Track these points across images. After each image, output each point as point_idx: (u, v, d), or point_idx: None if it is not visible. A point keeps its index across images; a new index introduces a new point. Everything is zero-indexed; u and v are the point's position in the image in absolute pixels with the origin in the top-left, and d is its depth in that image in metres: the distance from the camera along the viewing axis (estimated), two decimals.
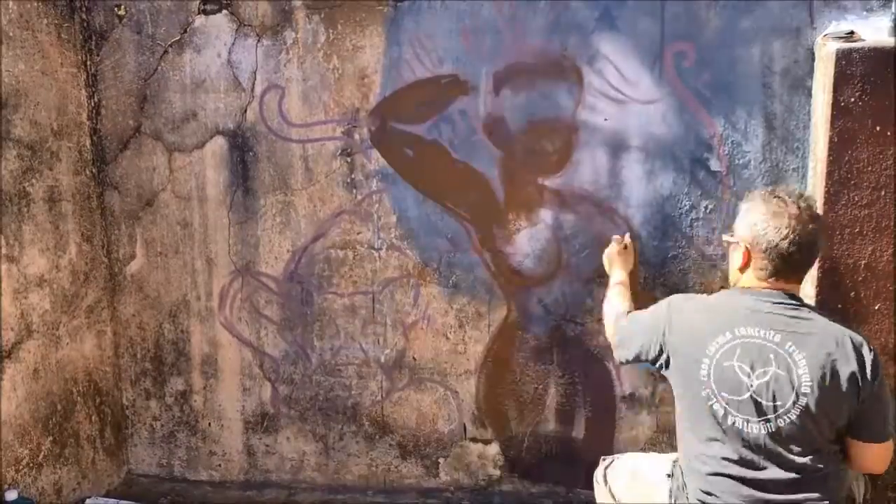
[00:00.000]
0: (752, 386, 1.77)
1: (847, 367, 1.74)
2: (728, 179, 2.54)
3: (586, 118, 2.58)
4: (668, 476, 2.05)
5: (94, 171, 2.88)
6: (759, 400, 1.76)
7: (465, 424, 2.89)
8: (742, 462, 1.81)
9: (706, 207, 2.57)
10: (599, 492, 2.30)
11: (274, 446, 3.02)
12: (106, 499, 2.89)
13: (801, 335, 1.78)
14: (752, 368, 1.78)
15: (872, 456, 1.83)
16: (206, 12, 2.72)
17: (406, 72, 2.65)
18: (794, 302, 1.84)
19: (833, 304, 2.40)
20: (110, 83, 2.83)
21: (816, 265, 2.38)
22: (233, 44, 2.72)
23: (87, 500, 2.82)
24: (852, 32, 2.34)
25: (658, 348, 1.97)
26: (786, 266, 1.83)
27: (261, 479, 3.06)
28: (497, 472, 2.91)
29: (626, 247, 2.51)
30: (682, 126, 2.53)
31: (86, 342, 2.87)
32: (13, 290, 2.49)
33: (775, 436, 1.77)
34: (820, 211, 2.24)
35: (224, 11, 2.71)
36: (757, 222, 1.84)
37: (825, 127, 2.34)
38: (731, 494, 1.82)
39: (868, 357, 1.76)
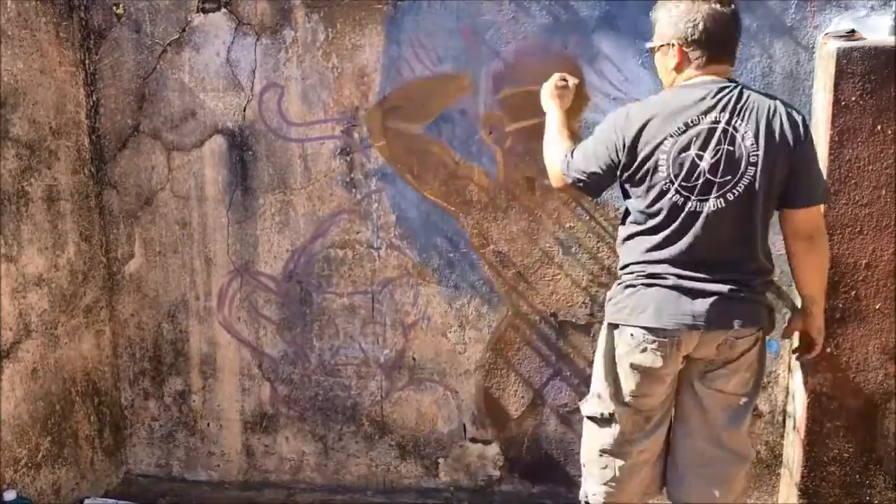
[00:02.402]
0: (706, 169, 1.90)
1: (786, 130, 1.90)
2: None
3: (587, 117, 2.57)
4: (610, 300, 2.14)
5: (92, 170, 2.87)
6: (712, 178, 1.90)
7: (464, 424, 2.88)
8: (694, 244, 1.94)
9: None
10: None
11: (273, 446, 3.02)
12: (104, 499, 2.89)
13: (746, 110, 1.91)
14: (703, 151, 1.90)
15: (817, 219, 2.01)
16: (204, 11, 2.71)
17: (406, 71, 2.64)
18: (732, 83, 1.96)
19: (833, 303, 2.40)
20: (109, 82, 2.82)
21: None
22: (232, 42, 2.71)
23: (86, 501, 2.81)
24: (853, 31, 2.34)
25: (613, 159, 2.03)
26: (716, 47, 1.95)
27: (260, 480, 3.05)
28: (497, 473, 2.90)
29: (566, 86, 2.45)
30: None
31: (84, 342, 2.86)
32: (11, 289, 2.49)
33: (727, 211, 1.91)
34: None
35: (223, 10, 2.70)
36: (679, 18, 1.96)
37: (826, 125, 2.34)
38: (673, 276, 1.96)
39: (798, 119, 1.93)
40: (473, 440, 2.90)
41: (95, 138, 2.87)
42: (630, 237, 2.07)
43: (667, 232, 1.96)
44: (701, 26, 1.92)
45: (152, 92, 2.80)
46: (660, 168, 1.93)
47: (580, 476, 2.82)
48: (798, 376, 2.54)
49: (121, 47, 2.79)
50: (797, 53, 2.43)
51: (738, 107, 1.91)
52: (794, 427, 2.56)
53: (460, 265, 2.75)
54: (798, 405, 2.53)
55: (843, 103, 2.30)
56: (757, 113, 1.90)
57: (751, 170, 1.88)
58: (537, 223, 2.68)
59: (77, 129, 2.79)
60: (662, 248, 1.98)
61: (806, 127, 1.93)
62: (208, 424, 3.04)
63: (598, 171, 2.07)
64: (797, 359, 2.30)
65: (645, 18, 2.48)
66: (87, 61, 2.81)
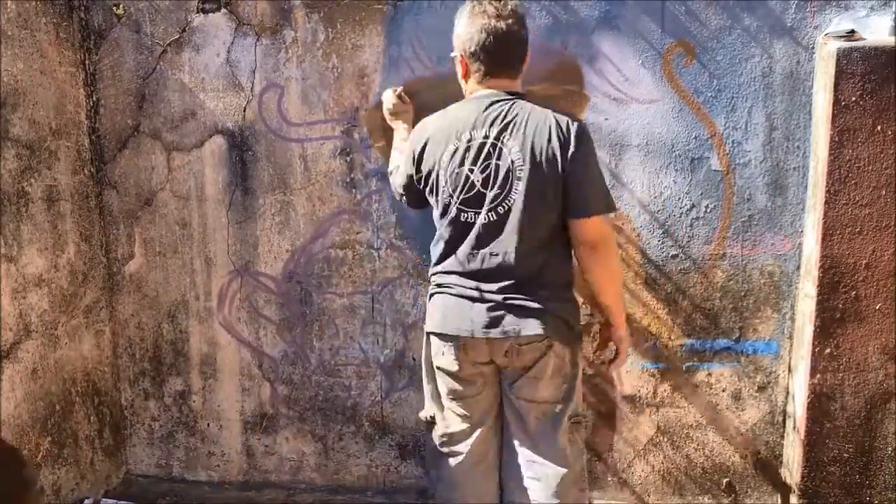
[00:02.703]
0: (477, 182, 1.96)
1: (553, 143, 1.92)
2: (729, 179, 2.53)
3: (587, 117, 2.57)
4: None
5: (92, 170, 2.87)
6: (483, 192, 1.96)
7: None
8: (470, 255, 2.01)
9: (707, 207, 2.57)
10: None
11: (273, 447, 3.02)
12: (104, 499, 2.88)
13: (514, 124, 1.95)
14: (475, 164, 1.96)
15: (596, 230, 1.98)
16: (204, 11, 2.71)
17: (406, 71, 2.64)
18: (508, 97, 2.00)
19: (833, 303, 2.40)
20: (109, 82, 2.82)
21: (816, 264, 2.38)
22: (232, 43, 2.71)
23: (86, 501, 2.81)
24: (853, 31, 2.34)
25: (411, 172, 2.13)
26: (492, 62, 1.99)
27: (260, 480, 3.05)
28: None
29: (400, 97, 2.49)
30: (682, 125, 2.53)
31: (84, 342, 2.86)
32: (11, 289, 2.49)
33: (498, 223, 1.96)
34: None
35: (223, 10, 2.70)
36: (461, 31, 2.02)
37: (826, 126, 2.34)
38: (458, 286, 2.05)
39: (572, 129, 1.93)
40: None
41: (95, 138, 2.87)
42: (433, 246, 2.16)
43: (451, 243, 2.06)
44: (476, 39, 1.97)
45: (152, 92, 2.80)
46: (440, 181, 2.02)
47: None
48: (798, 377, 2.54)
49: (121, 48, 2.79)
50: (797, 54, 2.44)
51: (508, 121, 1.95)
52: (794, 427, 2.56)
53: None
54: (798, 405, 2.53)
55: (842, 103, 2.30)
56: (525, 126, 1.94)
57: (518, 184, 1.93)
58: None
59: (77, 129, 2.80)
60: (447, 258, 2.08)
61: (580, 137, 1.93)
62: (208, 425, 3.04)
63: (406, 184, 2.19)
64: (607, 370, 2.33)
65: (645, 18, 2.50)
66: (87, 62, 2.81)
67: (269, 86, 2.73)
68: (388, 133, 2.68)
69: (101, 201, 2.91)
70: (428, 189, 2.09)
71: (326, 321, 2.87)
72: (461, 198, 1.98)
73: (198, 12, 2.71)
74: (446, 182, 2.00)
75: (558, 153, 1.92)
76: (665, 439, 2.75)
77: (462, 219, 2.00)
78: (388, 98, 2.50)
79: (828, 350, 2.42)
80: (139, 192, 2.88)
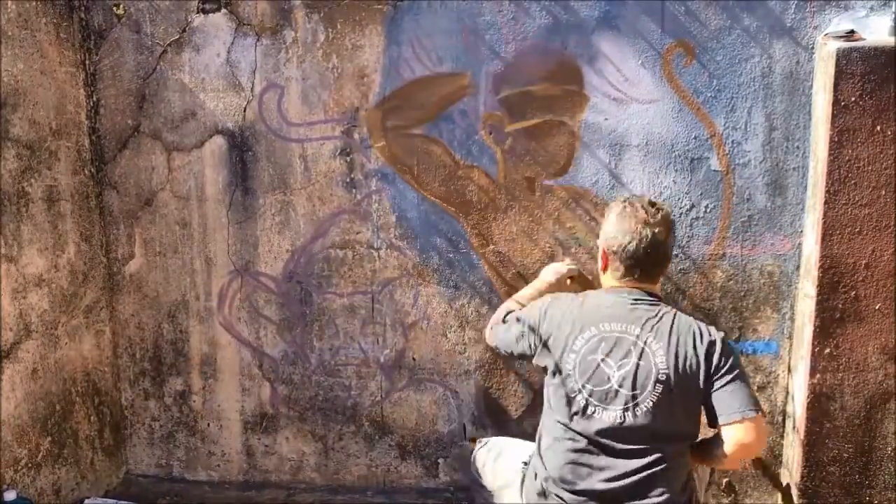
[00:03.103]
0: (613, 377, 1.87)
1: (699, 354, 1.86)
2: (729, 179, 2.54)
3: (587, 118, 2.58)
4: (524, 464, 2.13)
5: (92, 170, 2.87)
6: (620, 390, 1.87)
7: (464, 425, 2.88)
8: (598, 449, 1.90)
9: (706, 207, 2.57)
10: (468, 469, 2.36)
11: (273, 447, 3.02)
12: (105, 499, 2.88)
13: (658, 328, 1.90)
14: (613, 360, 1.89)
15: (747, 434, 1.85)
16: (204, 11, 2.71)
17: (406, 71, 2.64)
18: (650, 298, 1.96)
19: (833, 303, 2.40)
20: (109, 82, 2.82)
21: (815, 264, 2.38)
22: (232, 43, 2.72)
23: (86, 501, 2.81)
24: (852, 32, 2.35)
25: (530, 342, 2.06)
26: (636, 266, 1.95)
27: (260, 480, 3.05)
28: None
29: (570, 277, 2.46)
30: (682, 125, 2.53)
31: (84, 342, 2.86)
32: (12, 289, 2.49)
33: (632, 425, 1.86)
34: (821, 210, 2.25)
35: (223, 10, 2.70)
36: (609, 228, 1.99)
37: (825, 126, 2.34)
38: (583, 481, 1.91)
39: (718, 342, 1.88)
40: (473, 440, 2.89)
41: (96, 139, 2.87)
42: (542, 431, 2.06)
43: (569, 434, 1.94)
44: (622, 242, 1.94)
45: (152, 92, 2.80)
46: (569, 369, 1.93)
47: None
48: (797, 377, 2.54)
49: (121, 48, 2.79)
50: (797, 54, 2.44)
51: (654, 323, 1.90)
52: (794, 427, 2.56)
53: (460, 265, 2.76)
54: (797, 405, 2.53)
55: (842, 103, 2.30)
56: (671, 331, 1.89)
57: (658, 387, 1.85)
58: (537, 223, 2.68)
59: (77, 129, 2.80)
60: (559, 453, 1.96)
61: (724, 349, 1.88)
62: (208, 425, 3.04)
63: (512, 353, 2.15)
64: None
65: (645, 18, 2.50)
66: (87, 62, 2.81)
67: (269, 86, 2.73)
68: (387, 133, 2.68)
69: (101, 201, 2.91)
70: (547, 364, 2.01)
71: (326, 321, 2.87)
72: (591, 389, 1.89)
73: (198, 12, 2.72)
74: (574, 367, 1.92)
75: (710, 363, 1.86)
76: None
77: (594, 414, 1.89)
78: (563, 270, 2.45)
79: (827, 350, 2.42)
80: (139, 192, 2.88)
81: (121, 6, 2.76)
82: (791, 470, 2.59)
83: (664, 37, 2.49)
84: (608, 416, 1.88)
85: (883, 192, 2.34)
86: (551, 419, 2.00)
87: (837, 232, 2.37)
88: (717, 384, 1.86)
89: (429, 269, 2.77)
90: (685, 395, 1.87)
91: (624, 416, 1.87)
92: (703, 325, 1.92)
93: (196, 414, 3.04)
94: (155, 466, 3.12)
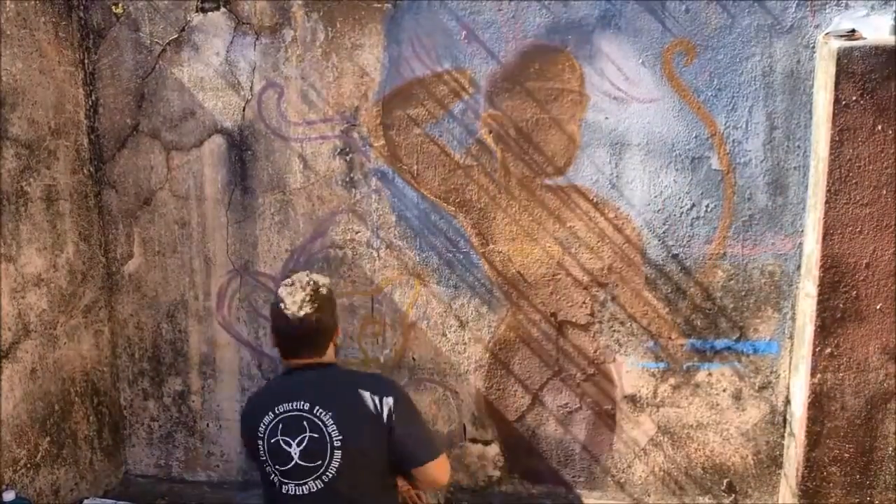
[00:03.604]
0: (295, 454, 1.91)
1: (369, 407, 1.92)
2: (730, 178, 2.53)
3: (587, 117, 2.57)
4: None
5: (91, 169, 2.87)
6: (303, 464, 1.91)
7: (464, 425, 2.88)
8: None
9: (707, 206, 2.56)
10: None
11: None
12: (104, 499, 2.88)
13: (326, 396, 1.94)
14: (292, 439, 1.92)
15: (434, 473, 1.98)
16: (203, 10, 2.70)
17: (406, 70, 2.64)
18: (317, 369, 2.01)
19: (834, 303, 2.39)
20: (108, 81, 2.82)
21: (816, 263, 2.38)
22: (231, 42, 2.71)
23: (85, 501, 2.81)
24: (853, 31, 2.34)
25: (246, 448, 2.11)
26: (293, 345, 2.01)
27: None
28: (497, 473, 2.90)
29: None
30: (682, 124, 2.52)
31: (83, 342, 2.85)
32: (10, 289, 2.48)
33: (325, 492, 1.90)
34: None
35: (222, 9, 2.70)
36: (272, 310, 2.04)
37: (826, 125, 2.33)
38: None
39: (387, 392, 1.95)
40: (473, 440, 2.89)
41: (94, 138, 2.86)
42: None
43: None
44: (278, 325, 2.00)
45: (151, 91, 2.80)
46: (260, 453, 1.97)
47: (578, 477, 2.83)
48: (798, 377, 2.54)
49: (120, 47, 2.78)
50: (798, 53, 2.43)
51: (321, 392, 1.95)
52: (795, 427, 2.56)
53: (460, 265, 2.75)
54: (798, 405, 2.53)
55: (843, 102, 2.30)
56: (337, 397, 1.95)
57: (337, 453, 1.90)
58: (537, 223, 2.68)
59: (76, 128, 2.79)
60: None
61: (396, 398, 1.95)
62: (207, 425, 3.04)
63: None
64: None
65: (646, 17, 2.50)
66: (86, 61, 2.81)
67: (268, 85, 2.72)
68: (387, 132, 2.68)
69: (100, 201, 2.91)
70: (254, 462, 2.05)
71: None
72: (280, 469, 1.93)
73: (197, 11, 2.71)
74: (265, 452, 1.96)
75: (382, 414, 1.92)
76: (665, 439, 2.74)
77: (288, 492, 1.93)
78: None
79: (828, 350, 2.42)
80: (138, 191, 2.88)
81: (120, 5, 2.75)
82: (791, 470, 2.59)
83: (665, 35, 2.48)
84: (301, 490, 1.92)
85: (884, 192, 2.33)
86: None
87: (838, 231, 2.36)
88: (398, 434, 1.93)
89: (429, 268, 2.77)
90: (365, 451, 1.93)
91: (313, 486, 1.91)
92: (369, 378, 2.05)
93: (195, 414, 3.03)
94: (154, 467, 3.11)
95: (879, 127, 2.30)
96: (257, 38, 2.69)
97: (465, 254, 2.74)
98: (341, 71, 2.67)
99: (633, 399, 2.74)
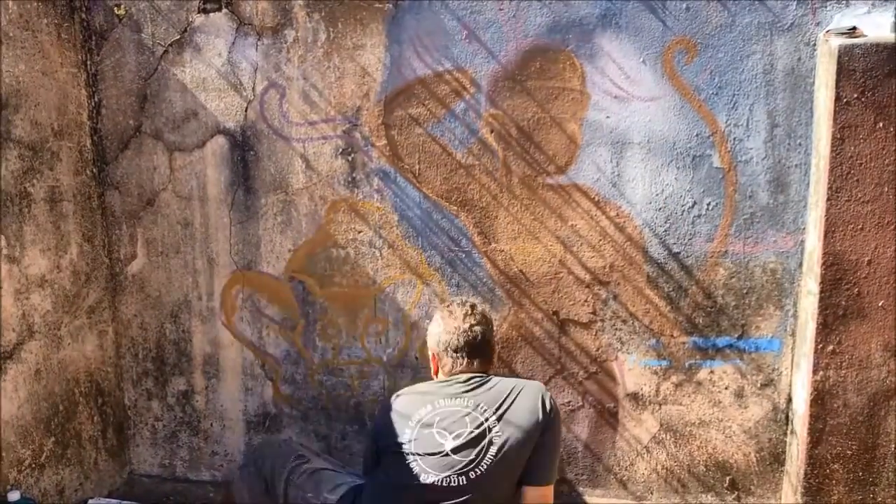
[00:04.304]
0: (448, 446, 1.99)
1: (529, 412, 2.02)
2: (731, 176, 2.53)
3: (588, 116, 2.57)
4: None
5: (94, 170, 2.88)
6: (454, 457, 1.98)
7: None
8: None
9: (708, 204, 2.56)
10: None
11: None
12: (108, 499, 2.89)
13: (489, 397, 2.05)
14: (449, 432, 2.01)
15: (542, 498, 2.03)
16: (205, 11, 2.71)
17: (407, 70, 2.64)
18: (480, 376, 2.14)
19: (836, 300, 2.40)
20: (110, 83, 2.83)
21: (818, 261, 2.38)
22: (233, 43, 2.72)
23: (90, 501, 2.82)
24: (854, 28, 2.34)
25: (372, 451, 2.19)
26: (462, 357, 2.16)
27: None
28: None
29: None
30: (684, 123, 2.53)
31: (87, 342, 2.86)
32: (14, 290, 2.49)
33: (469, 488, 1.95)
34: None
35: (224, 10, 2.70)
36: (435, 332, 2.23)
37: (827, 123, 2.33)
38: None
39: (547, 401, 2.06)
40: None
41: (97, 139, 2.87)
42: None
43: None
44: (448, 340, 2.17)
45: (154, 93, 2.80)
46: (404, 439, 2.03)
47: (580, 476, 2.83)
48: (800, 374, 2.54)
49: (122, 48, 2.79)
50: (798, 50, 2.43)
51: (484, 394, 2.06)
52: (797, 425, 2.56)
53: (462, 264, 2.76)
54: (800, 403, 2.53)
55: (844, 100, 2.30)
56: (501, 398, 2.04)
57: (492, 450, 1.97)
58: (539, 221, 2.68)
59: (79, 130, 2.80)
60: None
61: (551, 408, 2.05)
62: (211, 424, 3.05)
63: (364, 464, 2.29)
64: None
65: (647, 15, 2.50)
66: (88, 62, 2.81)
67: (270, 85, 2.73)
68: (389, 132, 2.68)
69: (103, 202, 2.92)
70: (382, 454, 2.11)
71: (329, 320, 2.87)
72: (425, 457, 1.99)
73: (199, 12, 2.72)
74: (411, 440, 2.03)
75: (538, 420, 2.02)
76: (667, 437, 2.75)
77: (433, 483, 1.97)
78: None
79: (830, 347, 2.42)
80: (141, 192, 2.89)
81: (122, 6, 2.76)
82: (794, 467, 2.59)
83: (665, 34, 2.48)
84: (446, 483, 1.96)
85: (885, 189, 2.33)
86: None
87: (840, 229, 2.37)
88: (541, 445, 2.02)
89: (431, 267, 2.77)
90: (515, 455, 1.99)
91: (458, 480, 1.96)
92: (531, 384, 2.11)
93: (199, 414, 3.04)
94: (158, 466, 3.13)
95: (881, 124, 2.30)
96: (259, 39, 2.70)
97: (468, 253, 2.74)
98: (343, 71, 2.68)
99: (635, 397, 2.74)
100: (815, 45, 2.41)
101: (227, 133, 2.79)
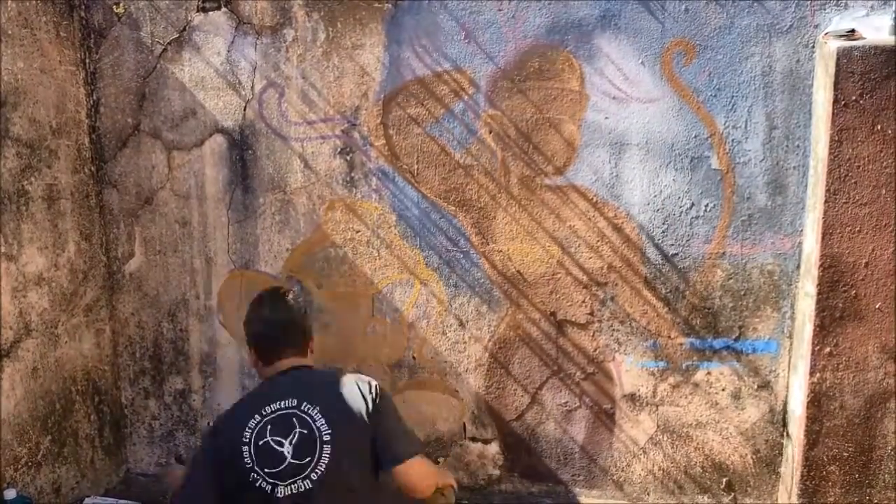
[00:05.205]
0: (288, 453, 1.89)
1: (353, 401, 1.95)
2: (729, 178, 2.54)
3: (587, 117, 2.58)
4: None
5: (92, 169, 2.87)
6: (296, 462, 1.89)
7: (464, 424, 2.88)
8: None
9: (706, 206, 2.57)
10: None
11: None
12: (105, 498, 2.88)
13: (312, 392, 1.97)
14: (283, 437, 1.91)
15: (414, 475, 1.97)
16: (205, 10, 2.71)
17: (406, 70, 2.64)
18: (301, 369, 2.05)
19: (833, 302, 2.40)
20: (109, 81, 2.82)
21: (816, 263, 2.38)
22: (232, 42, 2.72)
23: (86, 500, 2.81)
24: (853, 31, 2.34)
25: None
26: (270, 346, 2.06)
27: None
28: (497, 472, 2.90)
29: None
30: (682, 124, 2.53)
31: (85, 341, 2.86)
32: (12, 288, 2.49)
33: (320, 488, 1.87)
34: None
35: (223, 9, 2.70)
36: (245, 323, 2.13)
37: (826, 125, 2.34)
38: None
39: (364, 387, 1.98)
40: (473, 439, 2.90)
41: (96, 137, 2.87)
42: None
43: None
44: (253, 331, 2.08)
45: (152, 91, 2.80)
46: (245, 461, 1.90)
47: (577, 477, 2.83)
48: (797, 376, 2.54)
49: (121, 46, 2.79)
50: (797, 53, 2.43)
51: (306, 389, 1.97)
52: (794, 426, 2.56)
53: (460, 264, 2.76)
54: (797, 404, 2.53)
55: (842, 102, 2.30)
56: (323, 392, 1.97)
57: (327, 448, 1.90)
58: (537, 222, 2.68)
59: (77, 128, 2.80)
60: None
61: (375, 391, 1.98)
62: (208, 423, 3.04)
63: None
64: None
65: (646, 16, 2.50)
66: (87, 60, 2.81)
67: (269, 85, 2.73)
68: (387, 132, 2.68)
69: (101, 200, 2.91)
70: (218, 478, 1.95)
71: (327, 320, 2.87)
72: (270, 472, 1.88)
73: (198, 11, 2.72)
74: (251, 458, 1.90)
75: (363, 407, 1.94)
76: (664, 438, 2.75)
77: (283, 494, 1.87)
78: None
79: (827, 349, 2.42)
80: (139, 190, 2.89)
81: (121, 5, 2.76)
82: (791, 469, 2.59)
83: (664, 35, 2.49)
84: (296, 489, 1.88)
85: (883, 191, 2.33)
86: None
87: (837, 231, 2.37)
88: (377, 428, 1.95)
89: (429, 267, 2.77)
90: (353, 446, 1.93)
91: (307, 484, 1.88)
92: (348, 375, 2.03)
93: (196, 413, 3.04)
94: (155, 465, 3.12)
95: (879, 127, 2.30)
96: (258, 38, 2.70)
97: (465, 253, 2.75)
98: (342, 71, 2.68)
99: (632, 398, 2.75)
100: (813, 47, 2.42)
101: (225, 132, 2.79)
